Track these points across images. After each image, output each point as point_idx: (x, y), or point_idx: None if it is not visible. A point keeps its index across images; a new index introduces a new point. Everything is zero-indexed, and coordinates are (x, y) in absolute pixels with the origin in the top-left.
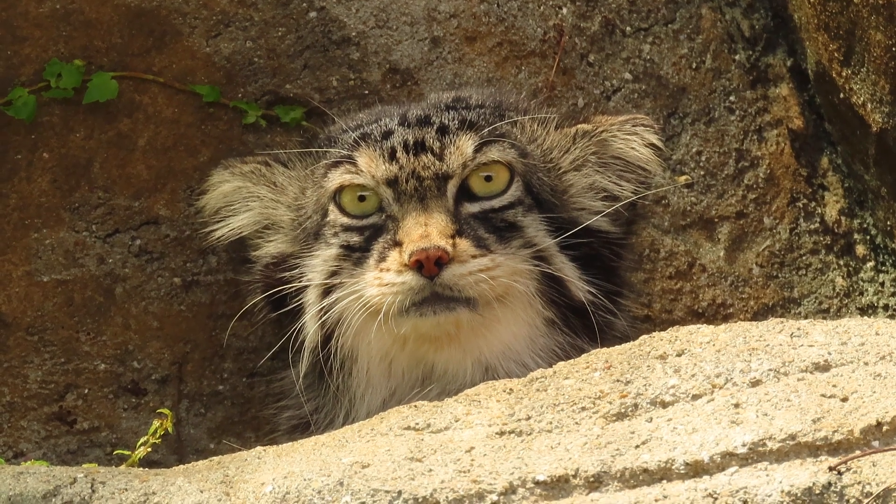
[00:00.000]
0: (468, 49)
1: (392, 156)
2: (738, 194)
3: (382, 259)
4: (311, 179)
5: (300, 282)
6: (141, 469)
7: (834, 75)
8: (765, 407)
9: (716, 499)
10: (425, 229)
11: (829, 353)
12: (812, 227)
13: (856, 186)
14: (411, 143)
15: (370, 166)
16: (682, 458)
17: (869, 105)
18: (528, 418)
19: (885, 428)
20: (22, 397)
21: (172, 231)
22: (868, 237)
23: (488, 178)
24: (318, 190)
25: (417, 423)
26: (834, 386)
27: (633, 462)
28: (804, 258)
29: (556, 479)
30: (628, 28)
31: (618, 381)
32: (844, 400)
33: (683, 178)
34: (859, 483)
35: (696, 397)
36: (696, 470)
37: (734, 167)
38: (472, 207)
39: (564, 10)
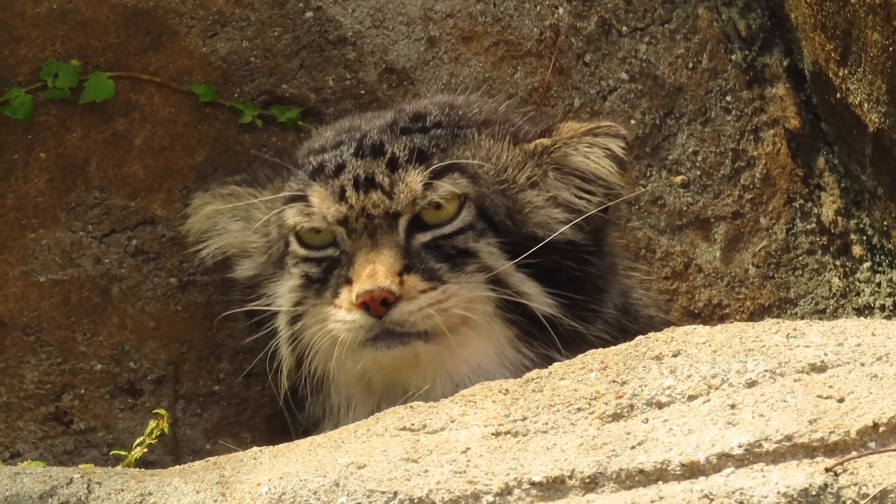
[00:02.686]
0: (464, 49)
1: (342, 195)
2: (735, 194)
3: (336, 295)
4: (275, 207)
5: (270, 307)
6: (137, 469)
7: (831, 75)
8: (761, 408)
9: (712, 500)
10: (373, 268)
11: (826, 354)
12: (808, 227)
13: (852, 186)
14: (362, 179)
15: (322, 206)
16: (678, 459)
17: (866, 105)
18: (524, 419)
19: (881, 429)
20: (18, 397)
21: (169, 231)
22: (864, 237)
23: (437, 207)
24: (280, 221)
25: (413, 424)
26: (830, 387)
27: (629, 463)
28: (800, 258)
29: (551, 479)
30: (624, 28)
31: (614, 381)
32: (841, 401)
33: (679, 178)
34: (856, 484)
35: (692, 398)
36: (692, 471)
37: (730, 167)
38: (424, 237)
39: (561, 10)
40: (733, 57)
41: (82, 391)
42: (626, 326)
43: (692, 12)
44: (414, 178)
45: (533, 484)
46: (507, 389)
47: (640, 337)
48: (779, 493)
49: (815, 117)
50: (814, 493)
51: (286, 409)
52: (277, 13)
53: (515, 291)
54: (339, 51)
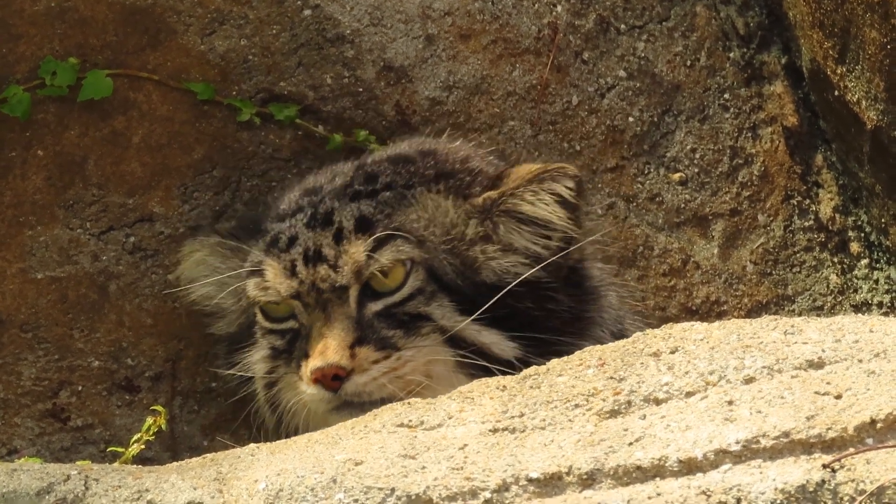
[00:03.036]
0: (462, 47)
1: (293, 271)
2: (733, 192)
3: (298, 367)
4: (241, 278)
5: (247, 373)
6: (134, 466)
7: (829, 73)
8: (758, 404)
9: (709, 496)
10: (324, 343)
11: (823, 351)
12: (806, 224)
13: (850, 184)
14: (311, 252)
15: (275, 281)
16: (675, 455)
17: (864, 102)
18: (522, 415)
19: (879, 425)
20: (16, 394)
21: (167, 228)
22: (862, 234)
23: (385, 274)
24: (244, 293)
25: (411, 421)
26: (828, 383)
27: (627, 459)
28: (798, 255)
29: (549, 476)
30: (623, 26)
31: (611, 378)
32: (838, 397)
33: (678, 175)
34: (853, 481)
35: (689, 394)
36: (690, 467)
37: (728, 164)
38: (376, 306)
39: (559, 8)
40: (731, 55)
41: (80, 388)
42: None
43: (690, 10)
44: (357, 249)
45: (530, 480)
46: (504, 386)
47: (638, 334)
48: (776, 489)
49: (814, 115)
50: (811, 489)
51: None
52: (275, 11)
53: (473, 344)
54: (337, 49)
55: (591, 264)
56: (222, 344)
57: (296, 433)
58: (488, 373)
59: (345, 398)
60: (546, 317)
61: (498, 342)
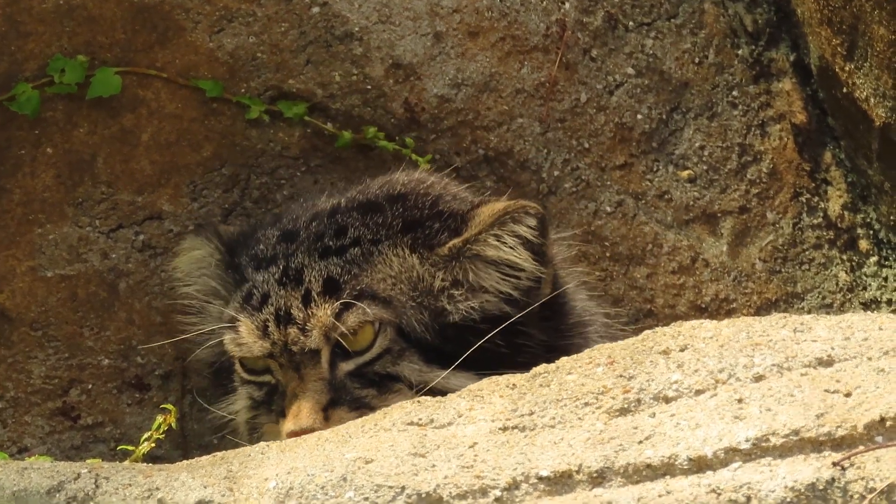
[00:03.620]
0: (471, 44)
1: (265, 331)
2: (741, 189)
3: (277, 421)
4: (223, 320)
5: (231, 414)
6: (145, 464)
7: (837, 70)
8: (768, 402)
9: (719, 494)
10: (298, 406)
11: (833, 349)
12: (815, 221)
13: (859, 181)
14: (282, 313)
15: (248, 339)
16: (685, 453)
17: (872, 100)
18: (531, 414)
19: (888, 423)
20: (26, 392)
21: (176, 226)
22: (871, 232)
23: (354, 333)
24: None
25: (421, 419)
26: (837, 381)
27: (637, 457)
28: (807, 253)
29: (559, 474)
30: (631, 23)
31: (621, 376)
32: (848, 395)
33: (686, 172)
34: (863, 479)
35: (699, 392)
36: (700, 465)
37: (737, 162)
38: (348, 366)
39: (567, 5)
40: (740, 52)
41: (90, 386)
42: None
43: (698, 7)
44: (324, 313)
45: (540, 478)
46: (514, 384)
47: (647, 332)
48: (786, 487)
49: (822, 112)
50: (821, 487)
51: None
52: (284, 8)
53: (445, 393)
54: (345, 46)
55: (573, 295)
56: (208, 372)
57: None
58: None
59: None
60: (516, 353)
61: (468, 385)
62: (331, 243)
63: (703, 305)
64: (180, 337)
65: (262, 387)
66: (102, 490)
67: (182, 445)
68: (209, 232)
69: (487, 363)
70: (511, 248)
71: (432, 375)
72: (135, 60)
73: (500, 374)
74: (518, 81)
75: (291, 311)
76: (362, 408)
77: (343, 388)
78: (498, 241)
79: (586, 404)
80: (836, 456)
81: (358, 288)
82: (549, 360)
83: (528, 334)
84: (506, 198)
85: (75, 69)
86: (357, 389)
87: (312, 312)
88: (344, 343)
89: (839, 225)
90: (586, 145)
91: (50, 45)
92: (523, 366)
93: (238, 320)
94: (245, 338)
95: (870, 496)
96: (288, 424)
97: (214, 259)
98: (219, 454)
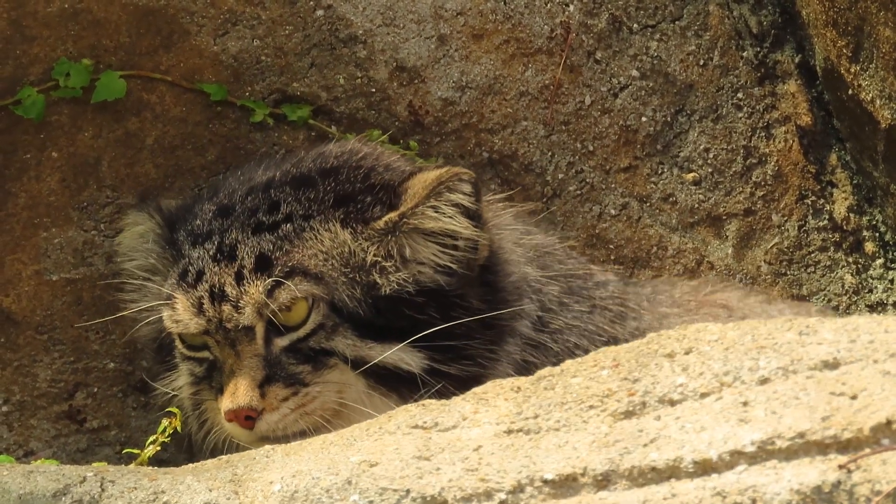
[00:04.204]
0: (475, 47)
1: (200, 308)
2: (746, 191)
3: (217, 398)
4: (161, 296)
5: (174, 391)
6: (150, 468)
7: (842, 72)
8: (773, 405)
9: (724, 497)
10: (234, 384)
11: (839, 351)
12: (821, 224)
13: (865, 183)
14: (216, 290)
15: (185, 316)
16: (690, 456)
17: (878, 101)
18: (536, 417)
19: (894, 426)
20: (32, 396)
21: None
22: (877, 234)
23: (288, 308)
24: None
25: (425, 422)
26: (843, 384)
27: (642, 460)
28: (813, 255)
29: (564, 477)
30: (635, 25)
31: (625, 379)
32: (854, 398)
33: (691, 175)
34: (869, 481)
35: (704, 395)
36: (705, 468)
37: (742, 164)
38: (282, 342)
39: (571, 8)
40: (745, 54)
41: (95, 389)
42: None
43: (703, 9)
44: (256, 290)
45: (545, 482)
46: (518, 387)
47: (652, 334)
48: (792, 490)
49: (827, 114)
50: (827, 490)
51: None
52: (288, 12)
53: (380, 366)
54: (349, 49)
55: (507, 259)
56: (149, 351)
57: (224, 446)
58: (403, 388)
59: (260, 435)
60: (451, 322)
61: (403, 357)
62: (264, 219)
63: None
64: (120, 314)
65: (202, 363)
66: (108, 493)
67: (187, 449)
68: (151, 207)
69: (424, 335)
70: (450, 217)
71: (367, 349)
72: (139, 64)
73: (438, 346)
74: (522, 84)
75: (225, 288)
76: (296, 384)
77: (278, 365)
78: (436, 212)
79: (591, 407)
80: (842, 459)
81: (289, 265)
82: (490, 335)
83: (463, 305)
84: (444, 170)
85: (80, 73)
86: (292, 366)
87: (245, 290)
88: (276, 320)
89: (845, 227)
90: (591, 148)
91: (55, 48)
92: (462, 337)
93: (174, 297)
94: (181, 315)
95: (876, 499)
96: (225, 402)
97: (154, 234)
98: (224, 457)
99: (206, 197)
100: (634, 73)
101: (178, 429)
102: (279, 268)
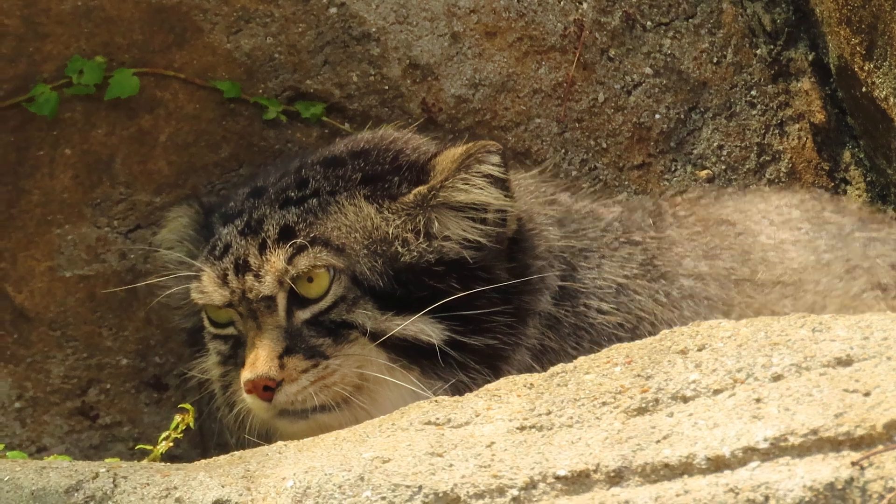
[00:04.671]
0: (488, 44)
1: (224, 280)
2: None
3: (239, 376)
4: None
5: (205, 374)
6: (163, 464)
7: (856, 69)
8: (786, 402)
9: (737, 494)
10: (255, 354)
11: (852, 348)
12: None
13: (878, 180)
14: (241, 262)
15: (210, 289)
16: (703, 452)
17: (891, 99)
18: (549, 413)
19: None
20: (45, 392)
21: None
22: None
23: (311, 280)
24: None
25: (438, 418)
26: (856, 381)
27: (654, 457)
28: None
29: (576, 473)
30: (649, 23)
31: (638, 375)
32: (867, 395)
33: (705, 172)
34: (882, 478)
35: (717, 392)
36: (718, 465)
37: (756, 161)
38: (304, 314)
39: (584, 5)
40: (758, 51)
41: (108, 386)
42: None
43: (717, 7)
44: (277, 258)
45: (558, 478)
46: (531, 384)
47: (665, 331)
48: (805, 486)
49: (841, 111)
50: (840, 486)
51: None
52: (301, 9)
53: (401, 338)
54: (362, 46)
55: (533, 231)
56: (186, 340)
57: (255, 433)
58: (425, 362)
59: (279, 407)
60: (473, 295)
61: (424, 328)
62: (292, 194)
63: None
64: (149, 280)
65: (228, 340)
66: (121, 489)
67: (200, 445)
68: (191, 199)
69: (444, 305)
70: (481, 188)
71: (387, 322)
72: (153, 61)
73: (459, 316)
74: (535, 81)
75: (248, 259)
76: (316, 356)
77: (299, 337)
78: (466, 184)
79: (604, 404)
80: (855, 455)
81: (311, 235)
82: (510, 307)
83: (487, 278)
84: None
85: (93, 70)
86: (313, 338)
87: (267, 258)
88: (298, 290)
89: None
90: (604, 145)
91: (68, 46)
92: (482, 308)
93: (202, 270)
94: (207, 286)
95: (889, 496)
96: (245, 373)
97: (193, 222)
98: (236, 453)
99: (243, 183)
100: (648, 70)
101: (191, 425)
102: (301, 237)
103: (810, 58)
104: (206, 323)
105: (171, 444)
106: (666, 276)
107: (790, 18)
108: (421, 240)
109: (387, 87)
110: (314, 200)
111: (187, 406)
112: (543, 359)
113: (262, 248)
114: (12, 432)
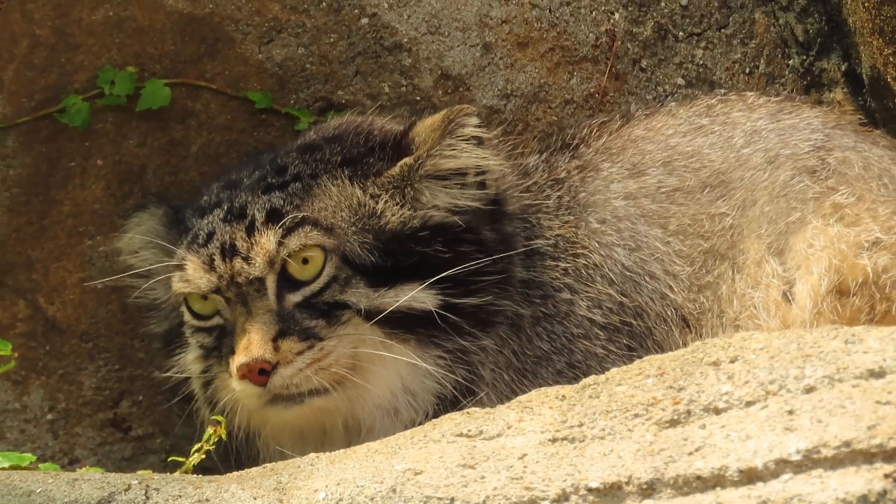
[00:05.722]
0: (520, 55)
1: (211, 265)
2: None
3: (228, 364)
4: (169, 271)
5: (184, 372)
6: (195, 476)
7: (889, 80)
8: (819, 414)
9: None
10: (247, 339)
11: (884, 360)
12: None
13: None
14: (227, 246)
15: (195, 276)
16: (735, 465)
17: None
18: (581, 425)
19: None
20: (77, 404)
21: None
22: None
23: (305, 261)
24: (171, 288)
25: (470, 430)
26: (889, 392)
27: (687, 469)
28: None
29: (608, 486)
30: (681, 33)
31: (671, 387)
32: None
33: None
34: None
35: (749, 404)
36: (750, 477)
37: None
38: (295, 297)
39: (616, 16)
40: (791, 62)
41: (140, 398)
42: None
43: (749, 17)
44: (267, 239)
45: (590, 490)
46: (563, 395)
47: (697, 343)
48: (837, 499)
49: (874, 122)
50: (873, 499)
51: (220, 461)
52: (333, 20)
53: (395, 311)
54: (394, 57)
55: (509, 191)
56: (160, 344)
57: (237, 435)
58: (420, 330)
59: (274, 392)
60: (463, 257)
61: (416, 296)
62: (272, 181)
63: None
64: (122, 275)
65: (212, 331)
66: (153, 501)
67: (234, 457)
68: (152, 203)
69: (432, 270)
70: (467, 152)
71: (380, 299)
72: (184, 72)
73: (450, 278)
74: (567, 92)
75: (236, 242)
76: (311, 338)
77: (292, 319)
78: (453, 149)
79: (636, 415)
80: (888, 468)
81: (300, 216)
82: (504, 269)
83: (473, 239)
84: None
85: (125, 81)
86: (306, 320)
87: (256, 240)
88: (291, 272)
89: None
90: None
91: (100, 56)
92: (471, 270)
93: (185, 259)
94: (191, 274)
95: None
96: (240, 358)
97: (163, 222)
98: (268, 465)
99: (213, 181)
100: (680, 80)
101: (223, 437)
102: (290, 218)
103: (843, 68)
104: (188, 316)
105: (203, 455)
106: (596, 203)
107: (823, 29)
108: (408, 209)
109: (418, 98)
110: (297, 184)
111: (219, 418)
112: (522, 322)
113: (251, 230)
114: (44, 444)
